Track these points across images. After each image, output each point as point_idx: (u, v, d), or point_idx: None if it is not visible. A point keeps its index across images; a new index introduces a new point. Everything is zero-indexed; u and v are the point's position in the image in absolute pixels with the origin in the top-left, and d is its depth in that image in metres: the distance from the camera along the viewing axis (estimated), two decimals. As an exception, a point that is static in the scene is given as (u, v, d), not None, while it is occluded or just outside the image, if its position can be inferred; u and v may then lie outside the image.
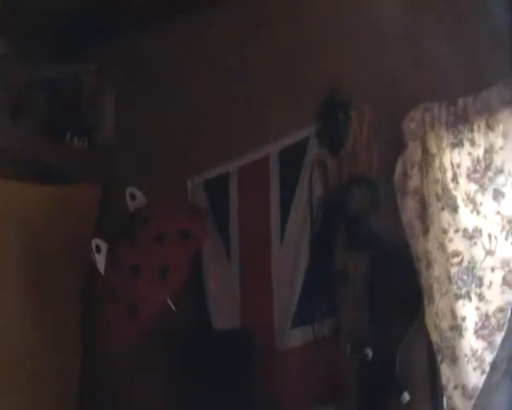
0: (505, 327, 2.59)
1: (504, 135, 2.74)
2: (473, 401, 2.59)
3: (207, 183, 3.49)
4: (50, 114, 3.70)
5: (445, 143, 2.87)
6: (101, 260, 3.16)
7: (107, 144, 3.76)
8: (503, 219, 2.71)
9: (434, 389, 2.74)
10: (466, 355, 2.65)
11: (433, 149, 2.88)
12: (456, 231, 2.77)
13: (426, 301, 2.77)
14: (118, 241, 3.25)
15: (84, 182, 3.69)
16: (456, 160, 2.83)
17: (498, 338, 2.60)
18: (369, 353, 2.80)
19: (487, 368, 2.60)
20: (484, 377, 2.60)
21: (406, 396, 2.72)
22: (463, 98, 2.87)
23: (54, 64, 3.75)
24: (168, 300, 3.21)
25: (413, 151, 2.93)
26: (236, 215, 3.38)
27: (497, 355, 2.58)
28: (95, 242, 3.19)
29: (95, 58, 3.77)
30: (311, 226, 3.12)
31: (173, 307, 3.22)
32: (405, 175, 2.94)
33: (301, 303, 3.11)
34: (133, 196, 3.39)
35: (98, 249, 3.18)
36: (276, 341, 3.16)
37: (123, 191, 3.39)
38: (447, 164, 2.84)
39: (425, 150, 2.90)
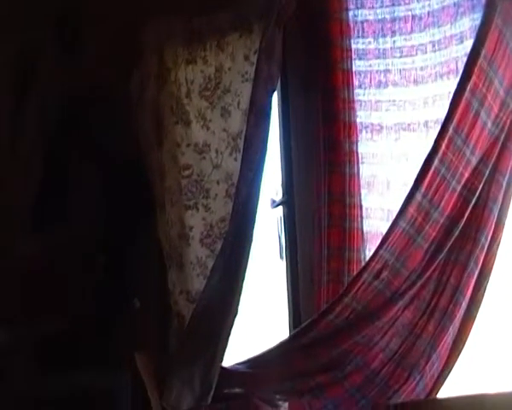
0: (225, 235, 2.80)
1: (232, 57, 2.88)
2: (195, 305, 2.81)
3: None
4: None
5: (180, 58, 2.94)
6: None
7: None
8: (228, 136, 2.89)
9: (163, 295, 2.90)
10: (191, 262, 2.86)
11: (169, 63, 2.95)
12: (188, 145, 2.91)
13: (158, 211, 2.90)
14: None
15: None
16: (190, 76, 2.93)
17: (219, 246, 2.82)
18: (102, 259, 2.89)
19: (208, 274, 2.81)
20: (205, 281, 2.81)
21: (137, 302, 2.88)
22: (200, 17, 2.95)
23: None
24: None
25: (150, 63, 2.96)
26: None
27: (216, 261, 2.78)
28: None
29: None
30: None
31: None
32: (141, 86, 2.97)
33: (37, 209, 3.07)
34: None
35: None
36: (13, 248, 3.11)
37: None
38: (182, 79, 2.94)
39: (161, 64, 2.95)
